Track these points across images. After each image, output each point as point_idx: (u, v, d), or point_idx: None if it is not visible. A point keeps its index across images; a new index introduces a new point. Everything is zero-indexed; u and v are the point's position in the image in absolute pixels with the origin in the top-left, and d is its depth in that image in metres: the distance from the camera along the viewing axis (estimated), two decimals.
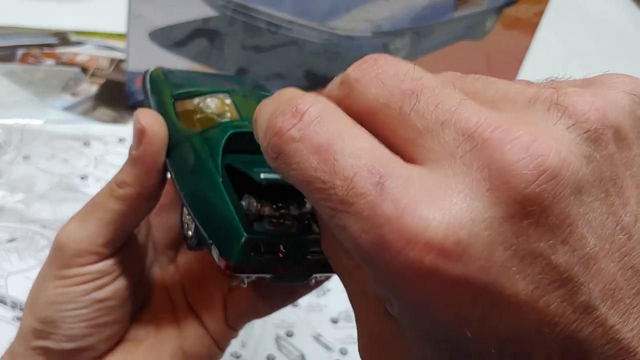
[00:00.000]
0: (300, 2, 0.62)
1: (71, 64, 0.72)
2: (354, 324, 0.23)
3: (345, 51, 0.64)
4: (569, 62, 0.91)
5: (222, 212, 0.27)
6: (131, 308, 0.35)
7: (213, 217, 0.27)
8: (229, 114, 0.32)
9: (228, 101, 0.33)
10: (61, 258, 0.32)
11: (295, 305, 0.51)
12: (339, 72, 0.21)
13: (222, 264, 0.26)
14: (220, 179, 0.28)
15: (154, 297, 0.37)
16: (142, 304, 0.37)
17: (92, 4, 0.82)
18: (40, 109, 0.65)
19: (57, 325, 0.32)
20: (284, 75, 0.67)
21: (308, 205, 0.29)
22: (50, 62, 0.72)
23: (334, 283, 0.41)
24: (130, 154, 0.32)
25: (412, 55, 0.66)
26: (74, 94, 0.68)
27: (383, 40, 0.64)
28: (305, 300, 0.51)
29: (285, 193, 0.29)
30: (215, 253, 0.27)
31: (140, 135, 0.31)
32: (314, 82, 0.67)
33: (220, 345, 0.37)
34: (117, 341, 0.35)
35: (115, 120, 0.66)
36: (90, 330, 0.33)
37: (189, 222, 0.30)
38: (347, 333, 0.49)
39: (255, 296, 0.35)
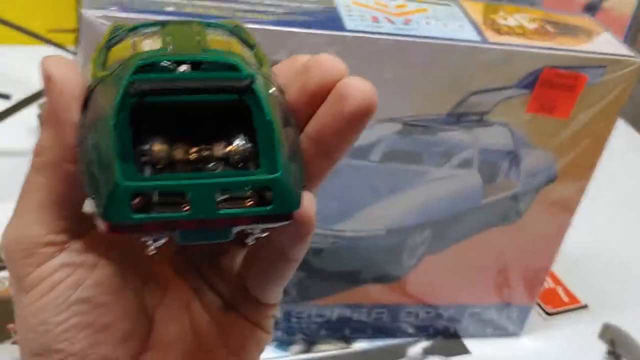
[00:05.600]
0: None
1: None
2: None
3: (353, 252, 0.54)
4: (610, 232, 0.81)
5: (104, 158, 0.22)
6: (137, 296, 0.29)
7: (95, 167, 0.23)
8: (158, 45, 0.26)
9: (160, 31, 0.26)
10: (15, 268, 0.27)
11: None
12: None
13: (100, 223, 0.23)
14: (114, 120, 0.22)
15: (171, 281, 0.31)
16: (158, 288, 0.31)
17: None
18: None
19: (56, 350, 0.27)
20: None
21: (239, 142, 0.24)
22: None
23: None
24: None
25: (434, 250, 0.56)
26: None
27: (399, 238, 0.53)
28: None
29: (220, 131, 0.24)
30: (95, 211, 0.23)
31: (46, 84, 0.26)
32: None
33: (263, 325, 0.31)
34: (141, 338, 0.29)
35: None
36: (96, 337, 0.27)
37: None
38: None
39: (268, 253, 0.29)
